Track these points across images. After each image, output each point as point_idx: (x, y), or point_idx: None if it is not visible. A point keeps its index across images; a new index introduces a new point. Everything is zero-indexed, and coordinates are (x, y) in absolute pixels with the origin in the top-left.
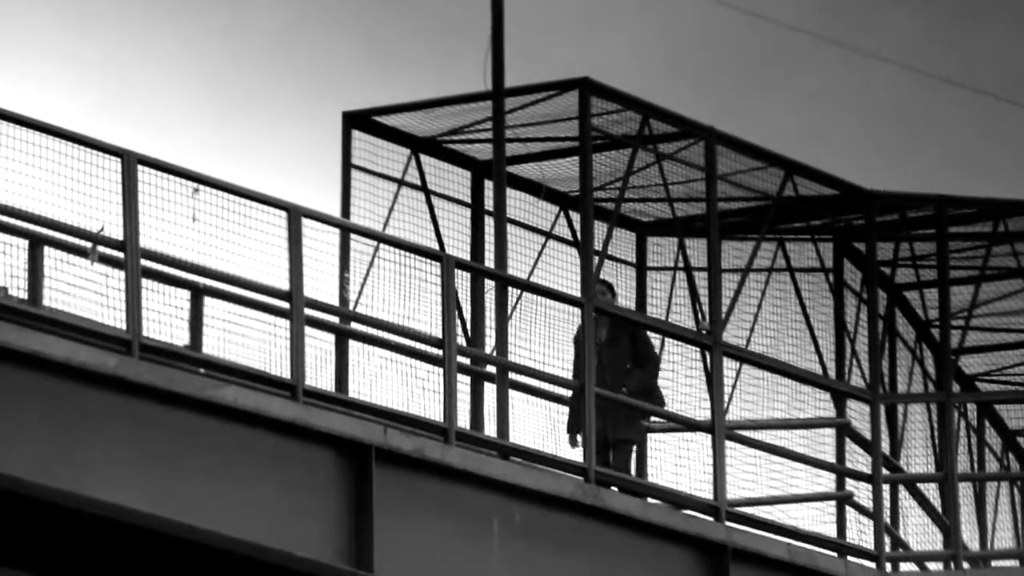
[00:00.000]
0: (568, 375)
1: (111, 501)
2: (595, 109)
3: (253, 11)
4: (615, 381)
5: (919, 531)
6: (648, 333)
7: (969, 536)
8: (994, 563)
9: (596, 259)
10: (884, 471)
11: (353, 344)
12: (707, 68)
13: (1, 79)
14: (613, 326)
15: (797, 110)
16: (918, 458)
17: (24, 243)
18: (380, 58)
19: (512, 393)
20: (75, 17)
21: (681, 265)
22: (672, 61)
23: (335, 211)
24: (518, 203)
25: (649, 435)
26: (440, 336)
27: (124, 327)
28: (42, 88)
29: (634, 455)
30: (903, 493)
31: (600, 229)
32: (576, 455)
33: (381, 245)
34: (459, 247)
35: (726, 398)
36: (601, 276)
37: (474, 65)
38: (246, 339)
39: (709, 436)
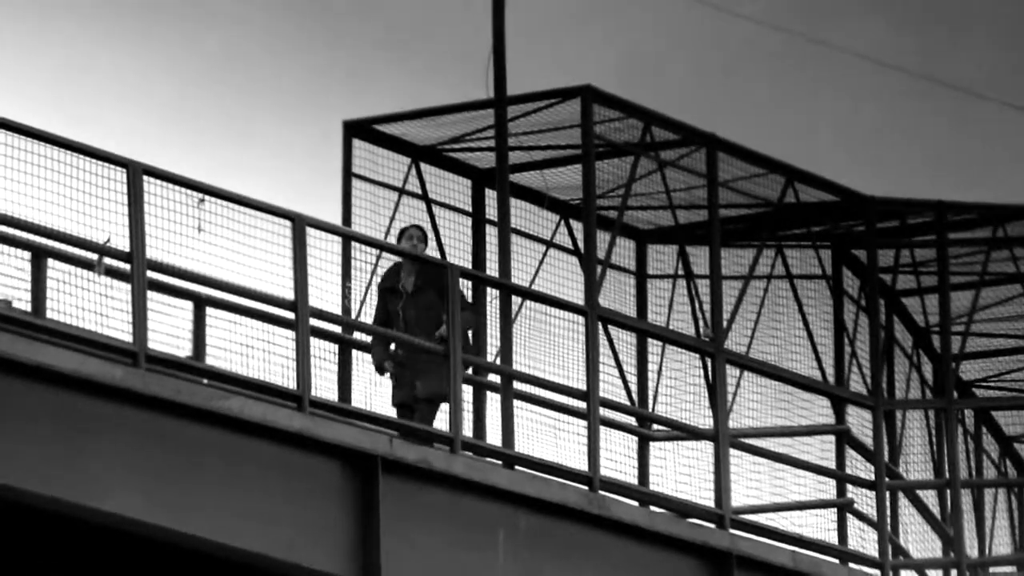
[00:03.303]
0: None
1: (118, 512)
2: (597, 117)
3: (250, 25)
4: (424, 332)
5: (918, 538)
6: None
7: (968, 542)
8: (992, 569)
9: (599, 268)
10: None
11: (357, 354)
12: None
13: None
14: (420, 276)
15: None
16: (916, 465)
17: (28, 255)
18: (379, 69)
19: (516, 402)
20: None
21: (682, 272)
22: (665, 64)
23: (335, 221)
24: (519, 211)
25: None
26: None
27: (130, 339)
28: (14, 107)
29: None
30: (903, 500)
31: (601, 237)
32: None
33: (383, 254)
34: (460, 256)
35: (728, 405)
36: (420, 225)
37: (476, 73)
38: (252, 349)
39: (712, 444)
